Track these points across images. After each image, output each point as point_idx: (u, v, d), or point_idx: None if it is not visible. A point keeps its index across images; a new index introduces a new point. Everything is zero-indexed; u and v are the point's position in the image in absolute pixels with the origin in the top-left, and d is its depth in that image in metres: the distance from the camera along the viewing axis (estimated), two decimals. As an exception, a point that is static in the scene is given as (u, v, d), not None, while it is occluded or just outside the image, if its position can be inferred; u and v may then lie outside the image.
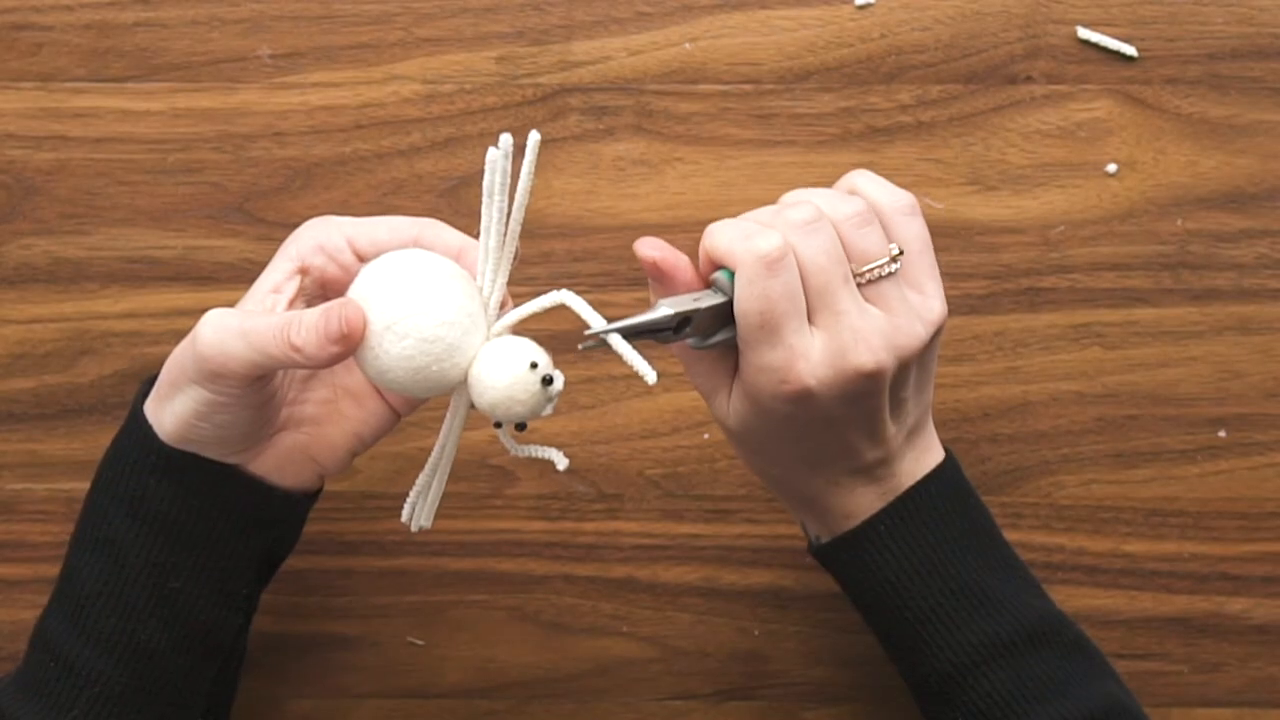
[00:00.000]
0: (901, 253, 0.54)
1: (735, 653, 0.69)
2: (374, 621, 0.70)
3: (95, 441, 0.69)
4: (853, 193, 0.55)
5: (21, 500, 0.70)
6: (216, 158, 0.70)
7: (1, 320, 0.70)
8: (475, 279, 0.53)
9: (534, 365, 0.51)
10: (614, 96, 0.70)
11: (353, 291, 0.52)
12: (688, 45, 0.70)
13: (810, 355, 0.51)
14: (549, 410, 0.52)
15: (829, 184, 0.70)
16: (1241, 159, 0.69)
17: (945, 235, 0.69)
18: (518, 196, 0.52)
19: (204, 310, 0.69)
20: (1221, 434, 0.69)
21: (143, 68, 0.70)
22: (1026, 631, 0.56)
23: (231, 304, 0.69)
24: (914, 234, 0.54)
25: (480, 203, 0.52)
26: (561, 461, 0.54)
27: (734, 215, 0.68)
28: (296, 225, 0.69)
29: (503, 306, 0.54)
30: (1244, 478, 0.69)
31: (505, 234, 0.52)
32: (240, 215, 0.70)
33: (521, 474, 0.69)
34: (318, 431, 0.57)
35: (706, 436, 0.70)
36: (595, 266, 0.69)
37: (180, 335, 0.69)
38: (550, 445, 0.69)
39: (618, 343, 0.51)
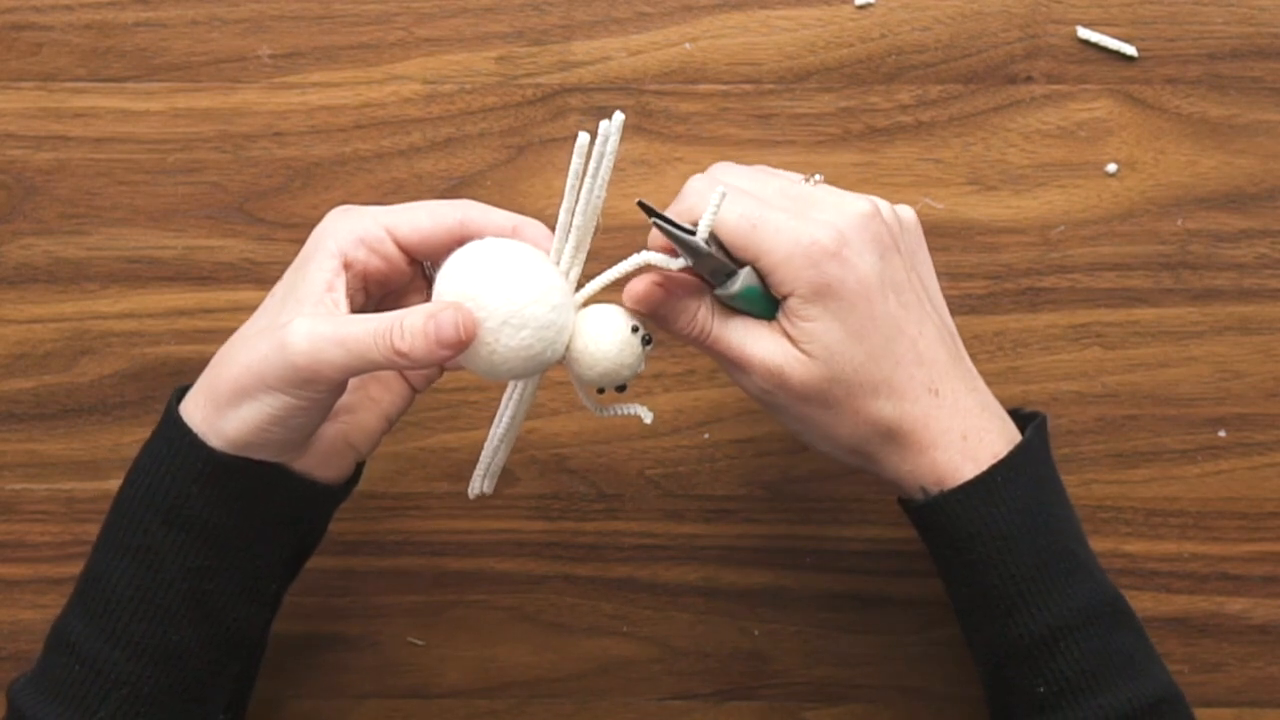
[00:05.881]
0: (818, 174, 0.57)
1: (735, 653, 0.69)
2: (374, 621, 0.70)
3: (95, 441, 0.70)
4: None
5: (21, 500, 0.70)
6: (216, 158, 0.70)
7: (1, 320, 0.70)
8: (547, 255, 0.54)
9: (635, 329, 0.54)
10: (614, 96, 0.70)
11: (450, 290, 0.52)
12: (688, 45, 0.70)
13: (817, 222, 0.53)
14: (642, 367, 0.55)
15: (828, 184, 0.70)
16: (1241, 159, 0.69)
17: (945, 235, 0.69)
18: (602, 171, 0.53)
19: (204, 310, 0.69)
20: (1221, 434, 0.69)
21: (143, 68, 0.70)
22: (1110, 604, 0.56)
23: (232, 303, 0.69)
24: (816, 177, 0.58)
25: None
26: (647, 416, 0.56)
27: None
28: (297, 225, 0.69)
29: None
30: (1244, 478, 0.69)
31: (588, 211, 0.53)
32: (240, 215, 0.70)
33: (521, 474, 0.69)
34: (353, 419, 0.58)
35: (706, 436, 0.70)
36: (595, 266, 0.69)
37: (180, 335, 0.69)
38: (551, 445, 0.69)
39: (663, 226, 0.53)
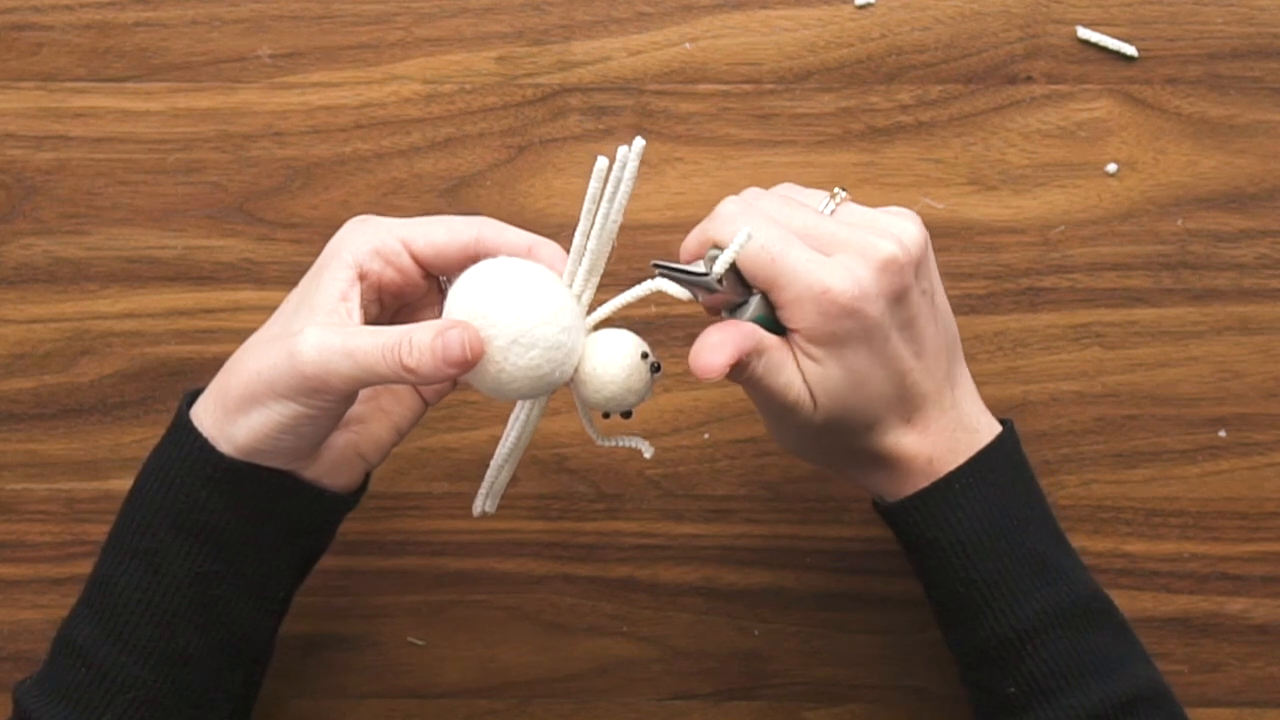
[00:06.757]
0: (841, 188, 0.56)
1: (735, 653, 0.69)
2: (374, 621, 0.70)
3: (95, 441, 0.70)
4: None
5: (21, 500, 0.70)
6: (216, 158, 0.70)
7: (1, 320, 0.70)
8: (560, 277, 0.54)
9: (645, 355, 0.53)
10: (614, 96, 0.70)
11: (461, 308, 0.52)
12: (688, 45, 0.70)
13: (836, 267, 0.52)
14: (650, 394, 0.54)
15: (828, 183, 0.70)
16: (1241, 159, 0.69)
17: (945, 235, 0.69)
18: (619, 197, 0.52)
19: (204, 310, 0.69)
20: (1221, 434, 0.69)
21: (143, 68, 0.70)
22: (1083, 604, 0.56)
23: (232, 303, 0.69)
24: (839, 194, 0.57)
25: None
26: (648, 450, 0.56)
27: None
28: (297, 225, 0.69)
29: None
30: (1244, 478, 0.69)
31: (603, 235, 0.53)
32: (240, 215, 0.70)
33: (521, 474, 0.69)
34: (364, 429, 0.58)
35: (706, 436, 0.70)
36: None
37: (180, 335, 0.69)
38: (551, 445, 0.69)
39: (665, 284, 0.53)
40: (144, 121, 0.70)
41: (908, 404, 0.55)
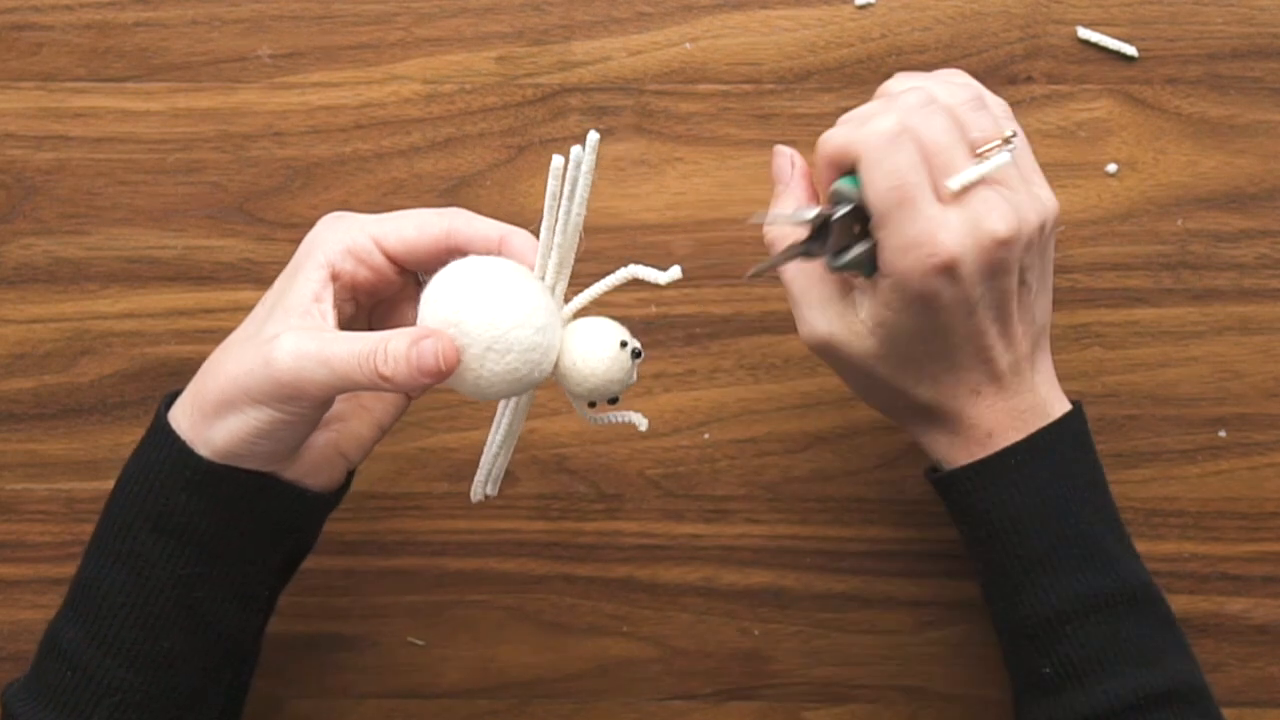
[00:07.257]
0: (1015, 134, 0.55)
1: (735, 653, 0.69)
2: (374, 621, 0.70)
3: (95, 441, 0.70)
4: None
5: (21, 500, 0.70)
6: (216, 158, 0.70)
7: (1, 320, 0.70)
8: (532, 269, 0.54)
9: (624, 344, 0.53)
10: (614, 96, 0.70)
11: (434, 315, 0.52)
12: (688, 45, 0.70)
13: (949, 224, 0.52)
14: (633, 380, 0.54)
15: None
16: (1241, 159, 0.69)
17: (945, 235, 0.69)
18: (579, 192, 0.52)
19: (204, 310, 0.69)
20: (1221, 434, 0.69)
21: (143, 68, 0.70)
22: (1128, 593, 0.57)
23: (232, 303, 0.69)
24: (1017, 129, 0.56)
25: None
26: (642, 424, 0.56)
27: (734, 216, 0.69)
28: (297, 225, 0.69)
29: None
30: (1244, 478, 0.69)
31: (569, 229, 0.53)
32: (240, 215, 0.70)
33: (521, 474, 0.69)
34: (345, 427, 0.58)
35: (706, 436, 0.70)
36: (596, 266, 0.69)
37: (180, 335, 0.69)
38: (551, 445, 0.69)
39: (778, 260, 0.55)
40: (144, 121, 0.70)
41: (979, 372, 0.56)
